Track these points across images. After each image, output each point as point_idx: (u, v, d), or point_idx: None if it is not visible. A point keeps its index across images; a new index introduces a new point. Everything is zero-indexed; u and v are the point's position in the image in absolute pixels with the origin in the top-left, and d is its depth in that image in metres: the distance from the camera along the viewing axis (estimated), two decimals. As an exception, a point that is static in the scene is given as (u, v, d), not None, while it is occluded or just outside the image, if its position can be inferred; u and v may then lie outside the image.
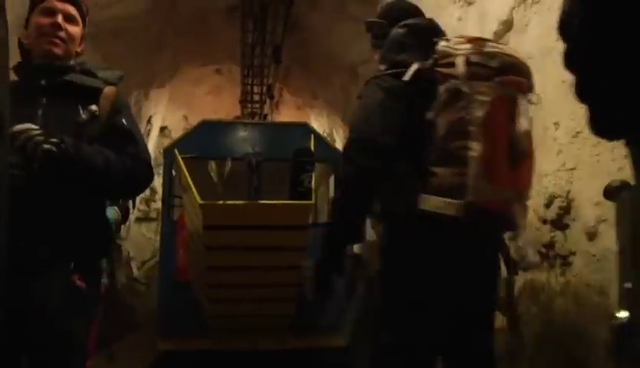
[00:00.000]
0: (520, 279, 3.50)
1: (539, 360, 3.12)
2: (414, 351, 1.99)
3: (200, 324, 4.70)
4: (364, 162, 1.93)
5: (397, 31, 2.13)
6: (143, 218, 10.28)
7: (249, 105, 8.58)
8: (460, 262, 1.95)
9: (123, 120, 2.08)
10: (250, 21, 6.06)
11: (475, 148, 1.81)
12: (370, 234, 3.08)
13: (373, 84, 2.05)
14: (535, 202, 3.21)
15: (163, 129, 10.17)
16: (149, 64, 7.16)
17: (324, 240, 2.10)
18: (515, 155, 1.90)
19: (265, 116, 8.60)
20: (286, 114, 9.83)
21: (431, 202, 1.85)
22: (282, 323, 4.67)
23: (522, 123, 1.92)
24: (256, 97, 8.39)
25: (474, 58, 1.91)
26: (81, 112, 2.00)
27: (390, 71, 2.02)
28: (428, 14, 4.05)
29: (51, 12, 2.03)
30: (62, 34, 2.03)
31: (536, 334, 3.21)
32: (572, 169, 2.91)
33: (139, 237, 9.81)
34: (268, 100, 8.28)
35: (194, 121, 6.29)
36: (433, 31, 2.16)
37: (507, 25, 3.44)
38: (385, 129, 1.93)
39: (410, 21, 2.19)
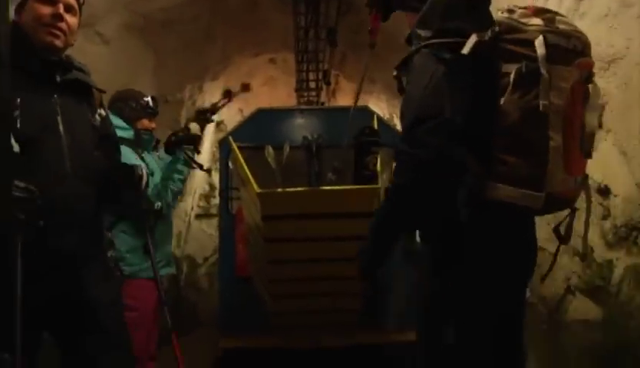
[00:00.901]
0: (620, 264, 3.08)
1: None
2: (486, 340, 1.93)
3: (263, 321, 4.53)
4: (439, 145, 1.73)
5: None
6: (203, 215, 10.24)
7: (305, 93, 8.37)
8: (526, 250, 2.00)
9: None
10: (302, 3, 5.80)
11: (555, 138, 1.71)
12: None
13: (426, 55, 1.80)
14: (638, 173, 2.80)
15: (218, 123, 10.10)
16: (201, 56, 7.04)
17: (376, 229, 2.01)
18: (586, 143, 1.81)
19: (322, 103, 8.35)
20: (343, 101, 9.56)
21: (504, 192, 1.74)
22: (348, 318, 4.41)
23: (595, 112, 1.81)
24: (312, 85, 8.16)
25: (551, 38, 1.74)
26: (92, 115, 2.15)
27: (441, 40, 1.78)
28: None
29: (52, 1, 2.00)
30: (63, 25, 2.01)
31: (646, 327, 2.79)
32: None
33: (199, 233, 9.79)
34: (324, 87, 8.02)
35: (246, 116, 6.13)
36: None
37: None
38: (455, 108, 1.74)
39: None
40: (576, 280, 3.50)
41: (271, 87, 10.21)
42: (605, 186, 3.13)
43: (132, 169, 2.32)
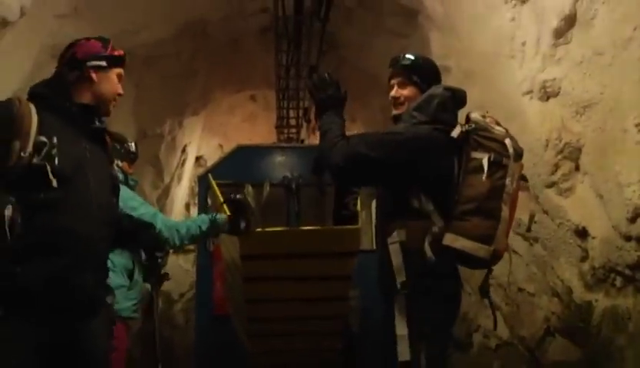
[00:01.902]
0: (599, 305, 3.09)
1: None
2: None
3: (240, 360, 4.42)
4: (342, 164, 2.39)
5: (443, 92, 2.53)
6: (180, 250, 10.10)
7: (285, 130, 8.37)
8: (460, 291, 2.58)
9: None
10: (284, 41, 5.86)
11: (505, 210, 2.31)
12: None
13: (418, 125, 2.46)
14: (614, 216, 2.83)
15: (198, 158, 10.06)
16: (181, 91, 7.03)
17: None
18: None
19: (302, 140, 8.35)
20: (323, 139, 9.59)
21: (463, 243, 2.26)
22: (329, 357, 4.34)
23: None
24: (292, 122, 8.17)
25: (511, 142, 2.39)
26: (110, 164, 2.37)
27: (431, 125, 2.44)
28: (477, 17, 3.77)
29: (119, 79, 2.29)
30: None
31: (627, 370, 2.78)
32: (662, 176, 2.53)
33: (176, 268, 9.62)
34: (304, 124, 8.05)
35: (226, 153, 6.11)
36: (464, 100, 2.63)
37: (569, 20, 3.11)
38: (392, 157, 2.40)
39: (452, 86, 2.65)
40: (555, 321, 3.50)
41: (251, 124, 10.23)
42: (583, 228, 3.15)
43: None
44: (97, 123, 2.23)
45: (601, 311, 3.04)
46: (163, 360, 7.38)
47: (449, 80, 4.50)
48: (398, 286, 2.36)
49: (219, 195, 3.71)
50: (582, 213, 3.15)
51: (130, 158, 3.61)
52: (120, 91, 2.30)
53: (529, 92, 3.49)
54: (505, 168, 2.32)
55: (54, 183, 1.89)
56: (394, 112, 2.70)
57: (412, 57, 2.69)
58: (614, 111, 2.81)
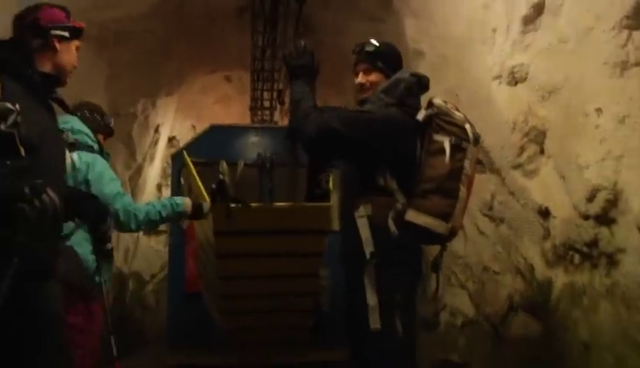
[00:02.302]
0: (558, 281, 3.24)
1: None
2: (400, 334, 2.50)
3: (212, 337, 4.48)
4: (314, 135, 2.48)
5: (409, 77, 2.69)
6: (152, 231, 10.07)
7: (259, 112, 8.38)
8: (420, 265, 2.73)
9: None
10: (260, 21, 5.87)
11: (462, 191, 2.49)
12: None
13: (385, 107, 2.60)
14: (575, 196, 2.97)
15: (171, 139, 9.99)
16: (155, 71, 6.97)
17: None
18: None
19: (276, 122, 8.38)
20: (297, 122, 9.60)
21: (423, 219, 2.45)
22: (299, 335, 4.42)
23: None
24: (266, 104, 8.18)
25: (471, 128, 2.56)
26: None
27: (398, 107, 2.60)
28: (451, 3, 3.85)
29: (77, 52, 2.28)
30: None
31: (581, 342, 2.93)
32: (619, 158, 2.65)
33: (147, 250, 9.60)
34: (278, 107, 8.07)
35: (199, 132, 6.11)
36: (427, 86, 2.79)
37: (538, 8, 3.22)
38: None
39: (418, 72, 2.84)
40: (518, 298, 3.65)
41: (225, 105, 10.17)
42: (546, 208, 3.29)
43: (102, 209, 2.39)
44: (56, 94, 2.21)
45: (560, 287, 3.18)
46: (135, 342, 7.41)
47: (423, 64, 4.60)
48: (368, 256, 2.48)
49: (196, 175, 3.74)
50: (546, 194, 3.29)
51: (107, 131, 3.58)
52: (77, 64, 2.29)
53: (499, 77, 3.60)
54: (464, 151, 2.50)
55: (22, 152, 1.80)
56: (360, 96, 2.82)
57: (376, 44, 2.80)
58: (576, 96, 2.93)
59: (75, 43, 2.27)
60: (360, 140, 2.51)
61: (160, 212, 3.20)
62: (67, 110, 2.32)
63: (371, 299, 2.47)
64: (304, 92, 2.60)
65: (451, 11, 4.09)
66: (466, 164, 2.50)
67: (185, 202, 3.29)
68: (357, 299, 2.52)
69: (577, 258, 3.03)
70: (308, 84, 2.65)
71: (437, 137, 2.51)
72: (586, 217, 2.88)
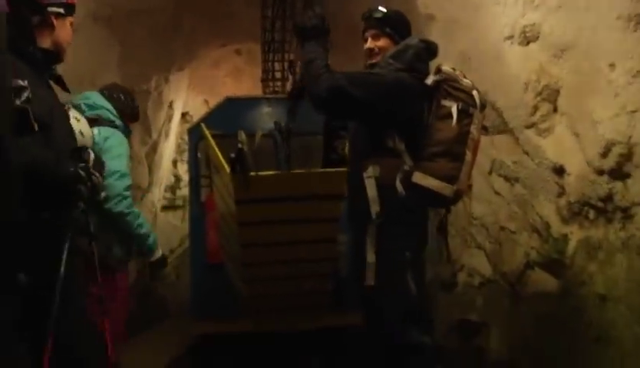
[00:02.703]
0: (573, 237, 3.29)
1: (604, 321, 2.91)
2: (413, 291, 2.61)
3: (235, 306, 4.59)
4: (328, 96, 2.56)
5: (418, 43, 2.78)
6: (169, 207, 10.22)
7: (271, 83, 8.38)
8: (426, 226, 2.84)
9: None
10: (270, -8, 5.87)
11: (468, 155, 2.58)
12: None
13: (396, 71, 2.67)
14: (588, 152, 3.00)
15: (184, 115, 10.06)
16: (167, 46, 6.99)
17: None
18: None
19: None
20: (309, 92, 9.61)
21: (429, 181, 2.53)
22: (320, 300, 4.53)
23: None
24: (278, 75, 8.18)
25: (478, 94, 2.65)
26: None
27: (407, 72, 2.68)
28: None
29: (71, 27, 2.33)
30: None
31: (597, 295, 3.00)
32: (633, 112, 2.68)
33: (165, 225, 9.76)
34: (290, 78, 8.07)
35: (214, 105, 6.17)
36: (436, 52, 2.89)
37: (548, -35, 3.21)
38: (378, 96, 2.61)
39: (427, 39, 2.92)
40: (535, 255, 3.71)
41: (236, 78, 10.19)
42: (560, 166, 3.33)
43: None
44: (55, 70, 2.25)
45: (575, 243, 3.24)
46: (158, 315, 7.59)
47: (434, 29, 4.60)
48: (373, 215, 2.59)
49: (215, 147, 3.81)
50: (560, 152, 3.32)
51: (133, 116, 3.81)
52: (71, 40, 2.32)
53: (510, 37, 3.61)
54: (471, 116, 2.59)
55: (36, 127, 1.82)
56: (369, 61, 2.91)
57: (384, 10, 2.90)
58: (589, 54, 2.94)
59: (69, 19, 2.30)
60: (369, 100, 2.58)
61: (140, 225, 3.48)
62: (65, 86, 2.32)
63: (370, 256, 2.59)
64: (316, 52, 2.65)
65: (461, -28, 4.08)
66: (473, 129, 2.58)
67: (158, 248, 3.76)
68: (361, 257, 2.64)
69: (592, 214, 3.08)
70: (320, 45, 2.69)
71: (445, 102, 2.60)
72: (601, 172, 2.92)
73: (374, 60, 2.89)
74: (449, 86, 2.63)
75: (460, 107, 2.57)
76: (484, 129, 2.78)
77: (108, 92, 3.60)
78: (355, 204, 2.77)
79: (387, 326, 2.64)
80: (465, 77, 2.70)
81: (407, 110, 2.66)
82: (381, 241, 2.61)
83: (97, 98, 3.49)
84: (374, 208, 2.60)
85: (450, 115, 2.57)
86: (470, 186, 2.84)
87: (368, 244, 2.60)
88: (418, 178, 2.54)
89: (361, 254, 2.67)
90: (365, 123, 2.81)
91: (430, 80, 2.66)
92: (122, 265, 3.57)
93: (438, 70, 2.69)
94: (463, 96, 2.62)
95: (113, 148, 3.34)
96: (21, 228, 1.66)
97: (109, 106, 3.47)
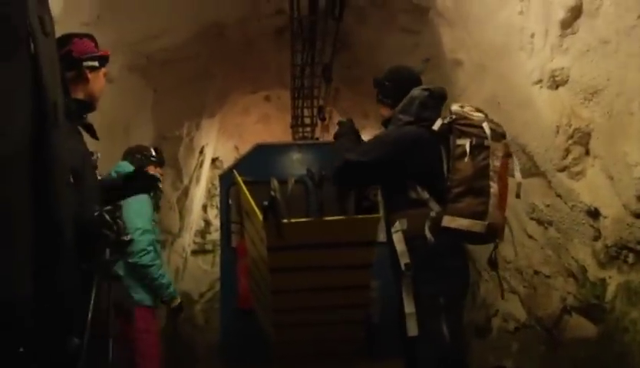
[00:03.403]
0: (612, 282, 3.22)
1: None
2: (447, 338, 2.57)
3: (265, 352, 4.58)
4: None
5: (421, 92, 2.85)
6: (199, 251, 10.30)
7: (300, 129, 8.52)
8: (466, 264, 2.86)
9: None
10: (299, 41, 6.02)
11: (494, 187, 2.59)
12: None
13: (404, 125, 2.83)
14: (623, 195, 2.97)
15: (214, 160, 10.23)
16: (198, 93, 7.20)
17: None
18: (516, 189, 2.77)
19: (317, 139, 8.50)
20: (337, 137, 9.71)
21: (460, 222, 2.56)
22: (351, 348, 4.48)
23: (517, 174, 2.81)
24: (307, 120, 8.31)
25: (491, 125, 2.68)
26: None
27: (416, 123, 2.80)
28: (487, 11, 3.91)
29: (104, 77, 2.40)
30: None
31: (640, 342, 2.91)
32: (667, 155, 2.66)
33: (195, 269, 9.81)
34: (319, 123, 8.20)
35: (245, 151, 6.30)
36: (444, 96, 2.95)
37: (576, 11, 3.23)
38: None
39: (429, 86, 2.94)
40: (572, 300, 3.63)
41: (265, 124, 10.39)
42: (595, 209, 3.28)
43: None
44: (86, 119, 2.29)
45: (614, 287, 3.17)
46: (186, 360, 7.58)
47: (461, 73, 4.65)
48: (403, 268, 2.63)
49: (248, 194, 3.87)
50: (594, 195, 3.29)
51: (152, 161, 4.06)
52: (103, 88, 2.40)
53: (539, 81, 3.63)
54: (487, 149, 2.62)
55: (71, 178, 1.78)
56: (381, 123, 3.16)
57: (377, 79, 3.11)
58: (620, 96, 2.94)
59: (104, 70, 2.38)
60: (379, 160, 2.73)
61: (162, 275, 3.84)
62: (94, 134, 2.34)
63: (408, 307, 2.61)
64: (343, 141, 2.99)
65: (487, 18, 4.14)
66: (492, 161, 2.61)
67: (177, 295, 4.06)
68: (401, 308, 2.66)
69: (631, 257, 3.02)
70: (346, 137, 3.02)
71: (460, 141, 2.65)
72: (638, 215, 2.88)
73: (382, 122, 3.11)
74: (459, 124, 2.68)
75: (473, 143, 2.61)
76: (509, 157, 2.77)
77: (130, 156, 4.00)
78: (391, 257, 2.81)
79: None
80: (479, 110, 2.77)
81: (420, 160, 2.72)
82: (416, 289, 2.63)
83: (125, 166, 3.86)
84: (403, 260, 2.64)
85: (465, 152, 2.62)
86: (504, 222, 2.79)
87: (405, 294, 2.61)
88: (447, 221, 2.58)
89: (397, 304, 2.71)
90: (384, 182, 2.95)
91: (437, 125, 2.72)
92: (141, 310, 3.80)
93: (448, 112, 2.79)
94: (475, 130, 2.66)
95: (136, 207, 3.64)
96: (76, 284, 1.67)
97: (129, 168, 3.78)
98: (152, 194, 3.78)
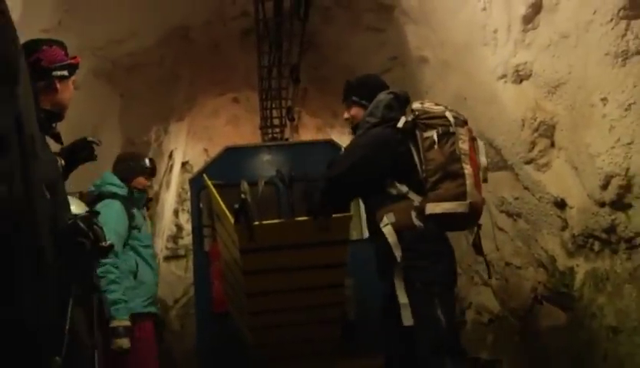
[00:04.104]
0: (580, 270, 3.30)
1: (619, 354, 2.89)
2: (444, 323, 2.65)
3: (242, 355, 4.55)
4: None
5: (386, 96, 3.00)
6: (172, 256, 10.20)
7: (269, 130, 8.48)
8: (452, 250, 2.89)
9: None
10: (265, 42, 6.00)
11: (467, 168, 2.70)
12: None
13: (380, 129, 2.93)
14: (588, 185, 3.04)
15: (184, 164, 10.13)
16: (166, 97, 7.12)
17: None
18: (482, 173, 2.86)
19: (287, 139, 8.48)
20: (306, 137, 9.68)
21: (443, 206, 2.67)
22: (329, 346, 4.48)
23: (482, 155, 2.91)
24: (276, 122, 8.28)
25: (453, 113, 2.84)
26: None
27: (383, 123, 2.92)
28: (451, 8, 3.96)
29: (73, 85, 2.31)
30: None
31: (609, 327, 2.99)
32: (628, 144, 2.73)
33: (169, 275, 9.72)
34: (288, 124, 8.18)
35: (215, 154, 6.25)
36: (408, 99, 3.08)
37: (536, 7, 3.31)
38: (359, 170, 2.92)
39: (395, 90, 3.10)
40: (542, 290, 3.70)
41: (235, 126, 10.31)
42: (562, 199, 3.36)
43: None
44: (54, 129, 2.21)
45: (582, 275, 3.24)
46: (164, 366, 7.52)
47: (427, 70, 4.70)
48: (398, 259, 2.70)
49: (218, 198, 3.84)
50: (560, 186, 3.36)
51: (146, 172, 3.96)
52: (71, 97, 2.30)
53: (503, 76, 3.69)
54: (453, 135, 2.76)
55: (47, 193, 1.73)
56: (349, 129, 3.32)
57: (348, 81, 3.27)
58: (581, 89, 3.01)
59: (73, 78, 2.29)
60: (355, 166, 2.90)
61: (111, 290, 3.48)
62: (61, 143, 2.30)
63: (402, 297, 2.69)
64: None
65: (451, 16, 4.19)
66: (461, 144, 2.74)
67: (125, 318, 3.52)
68: (392, 300, 2.74)
69: (597, 245, 3.10)
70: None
71: (426, 134, 2.78)
72: (602, 204, 2.95)
73: (352, 128, 3.21)
74: (422, 119, 2.82)
75: (439, 132, 2.74)
76: (475, 140, 2.91)
77: (114, 166, 3.88)
78: (381, 253, 2.89)
79: (421, 361, 2.68)
80: (437, 104, 2.92)
81: (390, 156, 2.86)
82: (408, 279, 2.71)
83: (107, 176, 3.75)
84: (397, 252, 2.72)
85: (433, 142, 2.74)
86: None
87: (397, 286, 2.70)
88: (431, 208, 2.68)
89: (393, 296, 2.76)
90: (365, 186, 3.01)
91: (400, 122, 2.87)
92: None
93: (410, 110, 2.93)
94: (439, 121, 2.80)
95: (103, 217, 3.46)
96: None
97: (114, 180, 3.68)
98: (128, 201, 3.70)
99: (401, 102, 3.03)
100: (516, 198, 3.80)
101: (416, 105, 2.91)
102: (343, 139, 8.33)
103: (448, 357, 2.60)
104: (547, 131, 3.42)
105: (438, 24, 4.43)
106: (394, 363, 2.95)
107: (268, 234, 3.59)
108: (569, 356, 3.36)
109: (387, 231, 2.78)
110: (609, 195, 2.86)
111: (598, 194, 2.94)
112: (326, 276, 3.93)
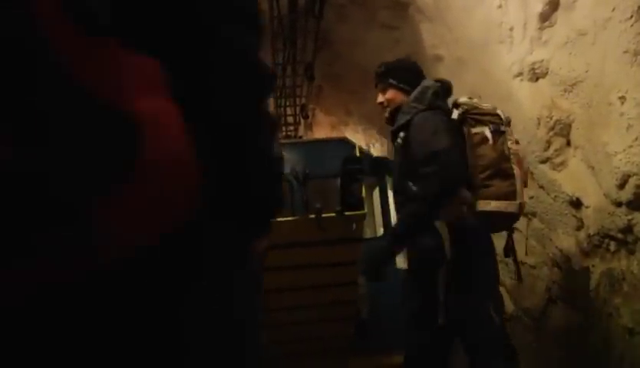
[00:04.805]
0: (596, 270, 3.27)
1: (636, 356, 2.86)
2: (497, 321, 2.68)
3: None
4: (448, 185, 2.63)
5: (434, 83, 2.93)
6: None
7: (284, 128, 8.51)
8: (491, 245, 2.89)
9: None
10: (279, 40, 6.01)
11: (516, 169, 2.71)
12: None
13: (424, 116, 2.78)
14: (605, 184, 3.01)
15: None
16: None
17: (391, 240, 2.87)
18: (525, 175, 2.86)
19: (301, 137, 8.50)
20: (320, 134, 9.69)
21: (495, 204, 2.65)
22: (342, 344, 4.49)
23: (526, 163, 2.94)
24: (290, 119, 8.31)
25: (502, 112, 2.85)
26: None
27: (433, 110, 2.80)
28: (466, 6, 3.94)
29: None
30: None
31: (625, 328, 2.96)
32: (646, 143, 2.70)
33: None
34: (302, 121, 8.20)
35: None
36: (451, 90, 3.03)
37: (553, 4, 3.28)
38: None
39: (440, 79, 3.06)
40: (557, 290, 3.67)
41: (249, 124, 10.33)
42: (577, 199, 3.33)
43: None
44: None
45: (598, 275, 3.21)
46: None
47: (442, 68, 4.68)
48: (448, 256, 2.63)
49: None
50: (575, 185, 3.33)
51: None
52: None
53: (519, 74, 3.66)
54: (504, 134, 2.76)
55: None
56: (384, 114, 3.10)
57: (386, 63, 3.12)
58: (598, 87, 2.98)
59: None
60: (454, 146, 2.67)
61: None
62: None
63: (441, 295, 2.65)
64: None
65: (466, 13, 4.17)
66: (510, 144, 2.75)
67: None
68: (427, 299, 2.70)
69: (613, 245, 3.07)
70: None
71: (476, 130, 2.75)
72: (619, 204, 2.92)
73: (386, 114, 3.07)
74: (473, 114, 2.79)
75: (492, 129, 2.73)
76: (517, 144, 2.88)
77: None
78: (424, 250, 2.76)
79: (479, 363, 2.68)
80: (482, 102, 2.90)
81: (459, 144, 2.76)
82: (460, 279, 2.65)
83: None
84: (447, 248, 2.65)
85: (486, 139, 2.72)
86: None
87: (441, 284, 2.64)
88: (482, 205, 2.65)
89: (430, 295, 2.69)
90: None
91: (455, 114, 2.82)
92: None
93: (456, 105, 2.88)
94: (490, 118, 2.78)
95: None
96: None
97: None
98: None
99: (445, 92, 2.98)
100: (531, 197, 3.77)
101: (464, 99, 2.88)
102: (357, 137, 8.34)
103: (503, 358, 2.64)
104: (563, 130, 3.39)
105: (453, 21, 4.41)
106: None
107: (282, 231, 3.61)
108: (583, 357, 3.33)
109: (440, 225, 2.68)
110: (626, 194, 2.83)
111: (615, 193, 2.91)
112: (339, 274, 3.94)
